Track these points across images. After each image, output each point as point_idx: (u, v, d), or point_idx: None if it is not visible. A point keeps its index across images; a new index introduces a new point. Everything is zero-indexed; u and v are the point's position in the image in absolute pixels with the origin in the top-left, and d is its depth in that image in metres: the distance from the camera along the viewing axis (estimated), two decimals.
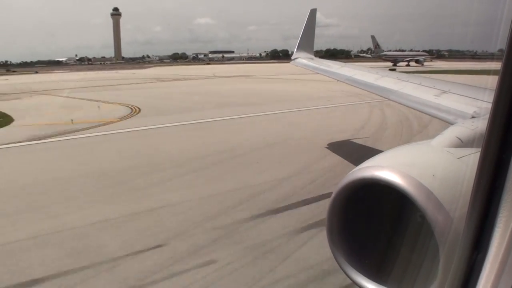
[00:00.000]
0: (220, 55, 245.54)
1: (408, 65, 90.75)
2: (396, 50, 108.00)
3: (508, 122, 1.18)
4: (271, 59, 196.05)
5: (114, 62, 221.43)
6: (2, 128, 22.84)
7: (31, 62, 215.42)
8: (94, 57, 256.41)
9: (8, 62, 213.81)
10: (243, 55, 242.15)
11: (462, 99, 5.97)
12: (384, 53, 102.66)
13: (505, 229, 1.18)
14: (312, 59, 15.84)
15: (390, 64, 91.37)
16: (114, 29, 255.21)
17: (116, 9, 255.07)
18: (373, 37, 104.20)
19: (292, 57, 16.65)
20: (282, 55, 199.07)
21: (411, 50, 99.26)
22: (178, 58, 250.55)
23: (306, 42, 16.48)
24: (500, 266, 1.17)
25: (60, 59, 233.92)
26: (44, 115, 28.01)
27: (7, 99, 40.01)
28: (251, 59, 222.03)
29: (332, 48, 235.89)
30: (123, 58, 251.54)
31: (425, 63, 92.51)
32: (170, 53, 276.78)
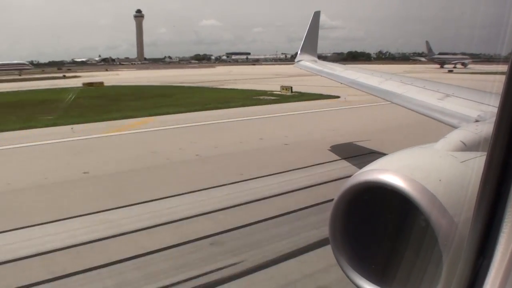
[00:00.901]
0: (243, 56, 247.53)
1: (454, 67, 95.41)
2: (443, 54, 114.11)
3: None
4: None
5: (139, 62, 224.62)
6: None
7: (60, 61, 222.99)
8: (118, 58, 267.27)
9: (36, 62, 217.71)
10: (267, 56, 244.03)
11: (466, 103, 5.93)
12: (437, 56, 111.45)
13: (511, 235, 1.16)
14: (315, 61, 15.82)
15: (438, 66, 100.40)
16: (137, 31, 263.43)
17: (139, 11, 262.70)
18: (427, 42, 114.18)
19: (296, 60, 16.64)
20: None
21: (462, 54, 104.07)
22: (201, 59, 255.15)
23: (310, 44, 16.48)
24: (506, 273, 1.15)
25: (83, 59, 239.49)
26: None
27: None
28: (276, 60, 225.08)
29: (353, 51, 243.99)
30: (145, 59, 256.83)
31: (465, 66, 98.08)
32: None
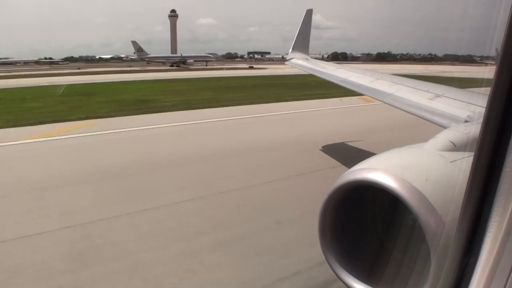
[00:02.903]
0: (278, 56, 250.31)
1: None
2: None
3: (501, 126, 1.18)
4: (331, 60, 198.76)
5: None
6: None
7: (87, 57, 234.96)
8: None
9: (50, 59, 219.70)
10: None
11: (456, 103, 6.00)
12: None
13: (497, 233, 1.18)
14: (307, 59, 15.84)
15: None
16: (171, 29, 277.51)
17: (173, 10, 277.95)
18: (496, 49, 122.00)
19: (287, 57, 16.64)
20: (341, 57, 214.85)
21: None
22: (232, 58, 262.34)
23: (302, 42, 16.48)
24: (491, 270, 1.17)
25: (122, 56, 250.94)
26: None
27: None
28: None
29: (382, 51, 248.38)
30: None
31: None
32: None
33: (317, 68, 14.39)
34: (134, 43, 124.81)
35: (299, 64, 15.46)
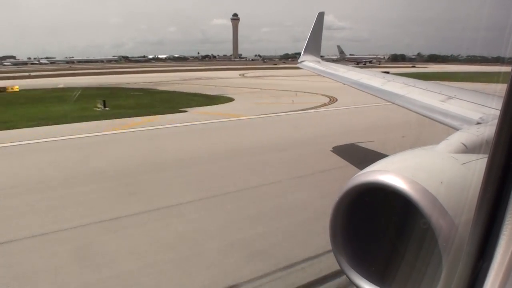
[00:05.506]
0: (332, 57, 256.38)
1: None
2: None
3: None
4: (392, 61, 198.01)
5: (236, 59, 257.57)
6: None
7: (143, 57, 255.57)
8: (218, 55, 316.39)
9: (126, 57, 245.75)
10: (370, 56, 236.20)
11: (468, 105, 5.92)
12: None
13: (511, 237, 1.16)
14: (319, 62, 15.82)
15: None
16: (233, 32, 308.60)
17: (235, 14, 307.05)
18: None
19: (299, 60, 16.63)
20: (400, 59, 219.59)
21: None
22: (287, 58, 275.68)
23: (313, 45, 16.47)
24: (505, 276, 1.15)
25: (182, 55, 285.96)
26: None
27: None
28: (380, 60, 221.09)
29: (433, 53, 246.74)
30: (240, 56, 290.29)
31: None
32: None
33: (328, 70, 14.36)
34: (338, 47, 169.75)
35: (311, 66, 15.44)
